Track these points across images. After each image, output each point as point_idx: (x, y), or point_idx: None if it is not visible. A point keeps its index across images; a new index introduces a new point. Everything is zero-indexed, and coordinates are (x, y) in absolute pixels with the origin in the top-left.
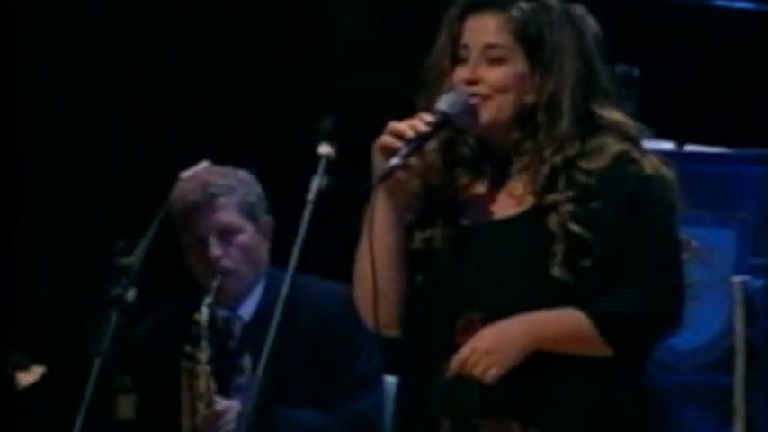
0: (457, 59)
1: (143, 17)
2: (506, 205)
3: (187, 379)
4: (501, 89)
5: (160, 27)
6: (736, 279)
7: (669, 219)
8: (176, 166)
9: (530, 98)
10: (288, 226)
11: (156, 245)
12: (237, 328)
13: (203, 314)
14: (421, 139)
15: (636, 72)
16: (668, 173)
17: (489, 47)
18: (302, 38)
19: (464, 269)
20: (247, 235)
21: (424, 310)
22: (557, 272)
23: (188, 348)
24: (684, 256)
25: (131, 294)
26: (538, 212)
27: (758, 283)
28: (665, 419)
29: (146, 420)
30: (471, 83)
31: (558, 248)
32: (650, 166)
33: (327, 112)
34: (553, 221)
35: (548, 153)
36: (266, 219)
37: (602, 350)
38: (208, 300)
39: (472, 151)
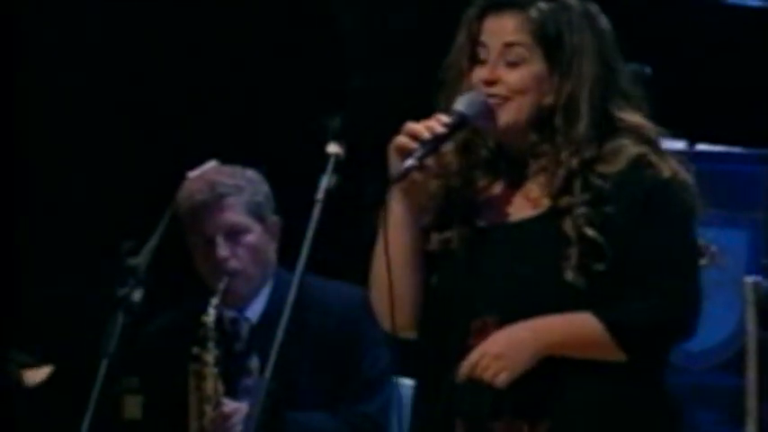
0: (475, 60)
1: (144, 17)
2: (522, 207)
3: (194, 381)
4: (519, 90)
5: (163, 27)
6: (748, 280)
7: (686, 223)
8: (182, 165)
9: (548, 100)
10: (296, 226)
11: (164, 245)
12: (245, 330)
13: (210, 315)
14: (437, 140)
15: (647, 70)
16: (687, 176)
17: (508, 46)
18: (308, 36)
19: (479, 271)
20: (255, 235)
21: (440, 311)
22: (570, 276)
23: (195, 350)
24: (703, 261)
25: (138, 295)
26: (553, 215)
27: None
28: (681, 422)
29: (152, 421)
30: (490, 83)
31: (572, 252)
32: (668, 169)
33: (336, 111)
34: (568, 225)
35: (564, 156)
36: (274, 219)
37: (615, 355)
38: (215, 301)
39: (490, 153)
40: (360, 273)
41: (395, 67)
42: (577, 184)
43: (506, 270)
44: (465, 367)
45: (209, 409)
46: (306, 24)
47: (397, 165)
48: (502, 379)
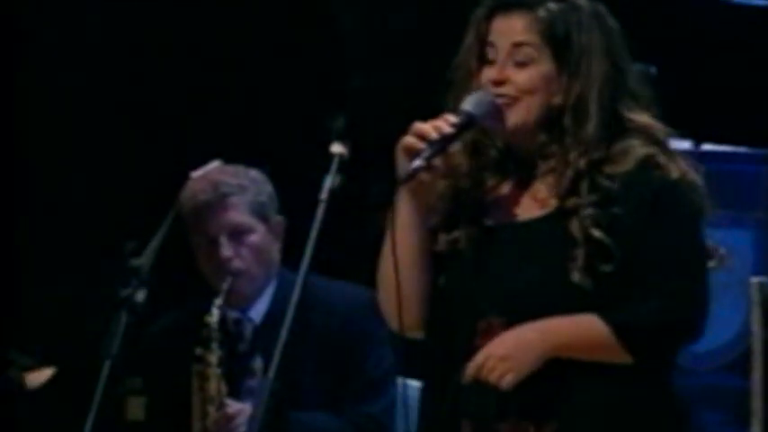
0: (484, 60)
1: (144, 17)
2: (530, 208)
3: (198, 381)
4: (528, 91)
5: (163, 27)
6: (754, 280)
7: (694, 224)
8: (185, 165)
9: (557, 100)
10: (300, 226)
11: (167, 245)
12: (248, 330)
13: (214, 316)
14: (445, 140)
15: (653, 70)
16: (696, 177)
17: (517, 46)
18: (309, 36)
19: (486, 271)
20: (258, 235)
21: (447, 312)
22: (576, 277)
23: (198, 351)
24: (711, 263)
25: (141, 296)
26: (560, 216)
27: None
28: (688, 425)
29: (156, 422)
30: (498, 83)
31: (579, 253)
32: (677, 170)
33: (338, 110)
34: (574, 226)
35: (573, 156)
36: (278, 219)
37: (621, 357)
38: (218, 301)
39: (499, 153)
40: (364, 273)
41: (396, 66)
42: (585, 185)
43: (513, 270)
44: (471, 368)
45: (212, 409)
46: (307, 24)
47: (404, 165)
48: (508, 381)
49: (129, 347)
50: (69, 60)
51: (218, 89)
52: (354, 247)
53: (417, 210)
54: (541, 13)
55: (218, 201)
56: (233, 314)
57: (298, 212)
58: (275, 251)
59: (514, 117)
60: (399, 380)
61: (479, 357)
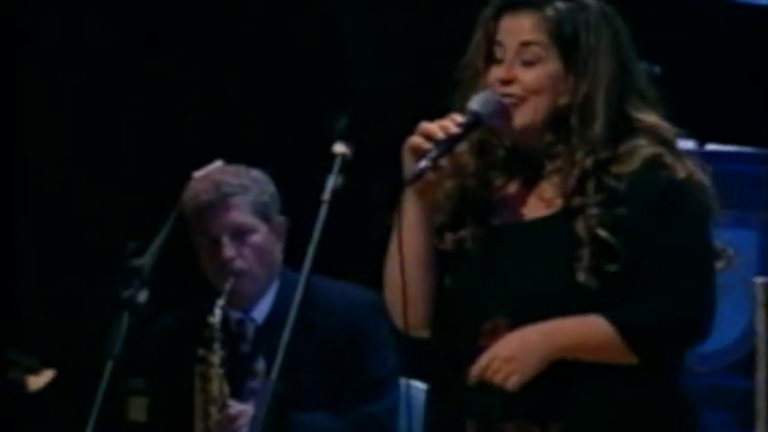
0: (491, 59)
1: (144, 17)
2: (536, 207)
3: (200, 382)
4: (535, 90)
5: (164, 27)
6: (758, 280)
7: (701, 224)
8: (187, 165)
9: (564, 100)
10: (302, 226)
11: (169, 246)
12: (250, 331)
13: (216, 316)
14: (451, 140)
15: (657, 70)
16: (703, 178)
17: (524, 45)
18: (312, 36)
19: (492, 271)
20: (261, 235)
21: (452, 312)
22: (582, 277)
23: (201, 351)
24: (719, 264)
25: (143, 296)
26: (566, 216)
27: None
28: (695, 426)
29: (158, 423)
30: (506, 82)
31: (585, 253)
32: (683, 170)
33: (340, 110)
34: (580, 225)
35: (579, 156)
36: (280, 219)
37: (627, 358)
38: (221, 302)
39: (507, 153)
40: (366, 273)
41: (397, 66)
42: (591, 185)
43: (518, 270)
44: (476, 370)
45: (214, 410)
46: (308, 24)
47: (411, 165)
48: (512, 382)
49: (131, 348)
50: (69, 60)
51: (219, 89)
52: (356, 247)
53: (424, 210)
54: (549, 12)
55: (221, 201)
56: (235, 314)
57: (300, 212)
58: (277, 251)
59: (521, 117)
60: (403, 380)
61: (484, 359)
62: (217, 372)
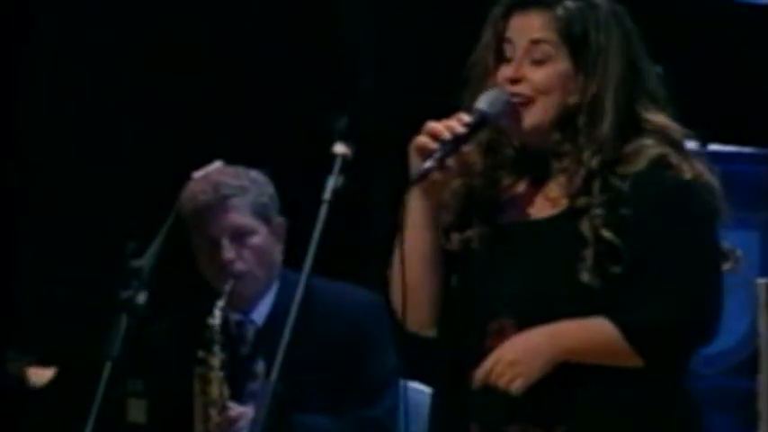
0: (501, 58)
1: (144, 17)
2: (542, 207)
3: (200, 384)
4: (544, 90)
5: (164, 27)
6: (761, 282)
7: (707, 225)
8: (186, 166)
9: (573, 99)
10: (302, 227)
11: (168, 247)
12: (250, 333)
13: (216, 318)
14: (457, 140)
15: (658, 70)
16: (711, 179)
17: (534, 43)
18: (312, 36)
19: (497, 271)
20: (260, 236)
21: (458, 312)
22: (585, 277)
23: (201, 354)
24: (726, 266)
25: (142, 297)
26: (571, 216)
27: None
28: (700, 428)
29: (157, 425)
30: (515, 81)
31: (588, 253)
32: (690, 170)
33: (341, 110)
34: (584, 225)
35: (586, 156)
36: (279, 220)
37: (632, 361)
38: (220, 303)
39: (515, 152)
40: (366, 274)
41: (399, 67)
42: (597, 185)
43: (523, 270)
44: (480, 373)
45: (214, 412)
46: (309, 24)
47: (416, 165)
48: (517, 386)
49: (130, 349)
50: (69, 60)
51: (219, 89)
52: (357, 248)
53: (430, 209)
54: (560, 11)
55: (219, 202)
56: (235, 316)
57: (300, 213)
58: (277, 252)
59: (530, 118)
60: (401, 382)
61: (488, 362)
62: (217, 374)
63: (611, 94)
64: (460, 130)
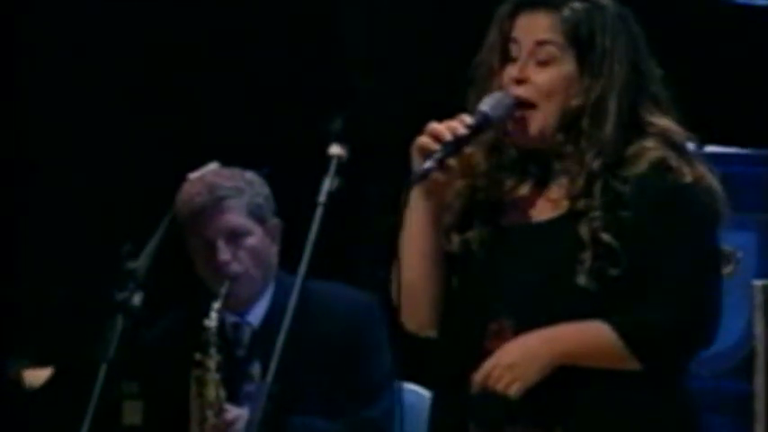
0: (506, 58)
1: (144, 17)
2: (543, 209)
3: (196, 387)
4: (547, 93)
5: (164, 27)
6: (757, 283)
7: (706, 228)
8: (183, 167)
9: (576, 101)
10: (297, 228)
11: (164, 248)
12: (246, 335)
13: (213, 320)
14: (458, 141)
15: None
16: (712, 182)
17: (540, 44)
18: (313, 37)
19: (497, 272)
20: (256, 238)
21: (458, 313)
22: (582, 280)
23: (197, 355)
24: (727, 269)
25: (138, 299)
26: (571, 218)
27: None
28: (699, 429)
29: (153, 428)
30: (519, 81)
31: (586, 256)
32: (690, 173)
33: (337, 112)
34: (583, 228)
35: (588, 158)
36: (275, 221)
37: (631, 364)
38: (217, 305)
39: (519, 153)
40: (362, 275)
41: (397, 68)
42: (598, 187)
43: (522, 272)
44: (478, 377)
45: (210, 415)
46: (307, 24)
47: (418, 165)
48: (515, 389)
49: (126, 351)
50: (69, 60)
51: (219, 89)
52: (353, 249)
53: (432, 210)
54: (566, 12)
55: (215, 204)
56: (231, 318)
57: (296, 215)
58: (273, 254)
59: (534, 124)
60: (396, 383)
61: (487, 366)
62: (213, 376)
63: (615, 96)
64: (462, 131)
